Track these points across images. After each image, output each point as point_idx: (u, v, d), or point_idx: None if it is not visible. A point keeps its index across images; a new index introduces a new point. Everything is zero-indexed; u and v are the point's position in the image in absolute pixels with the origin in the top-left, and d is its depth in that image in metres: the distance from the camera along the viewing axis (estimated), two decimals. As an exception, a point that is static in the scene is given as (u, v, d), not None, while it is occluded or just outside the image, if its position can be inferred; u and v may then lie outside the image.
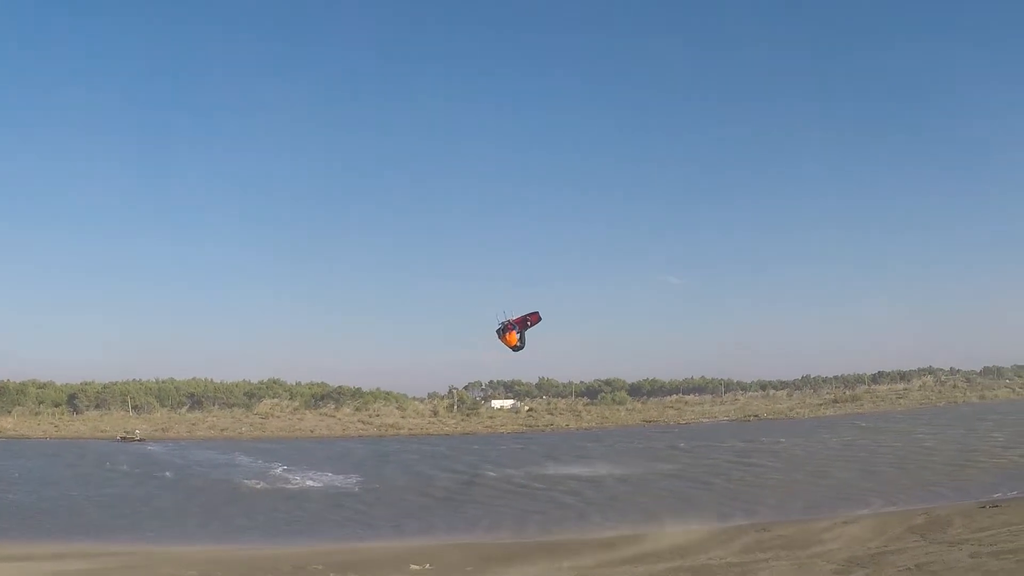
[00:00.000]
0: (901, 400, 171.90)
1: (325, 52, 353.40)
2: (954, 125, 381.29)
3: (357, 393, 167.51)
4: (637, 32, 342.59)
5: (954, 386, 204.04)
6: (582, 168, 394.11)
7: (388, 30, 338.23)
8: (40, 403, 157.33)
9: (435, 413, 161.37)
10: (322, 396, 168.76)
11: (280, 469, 72.89)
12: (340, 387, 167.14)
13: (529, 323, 43.21)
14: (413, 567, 27.20)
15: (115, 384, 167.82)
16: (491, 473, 67.49)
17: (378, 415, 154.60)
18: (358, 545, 34.90)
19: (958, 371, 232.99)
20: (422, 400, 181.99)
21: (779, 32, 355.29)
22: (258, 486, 60.43)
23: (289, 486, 60.71)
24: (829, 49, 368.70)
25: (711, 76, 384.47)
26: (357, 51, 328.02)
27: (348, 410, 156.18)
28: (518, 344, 48.45)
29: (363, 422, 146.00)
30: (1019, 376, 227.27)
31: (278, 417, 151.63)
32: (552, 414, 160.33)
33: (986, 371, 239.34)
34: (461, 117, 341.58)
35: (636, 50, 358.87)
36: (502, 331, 48.50)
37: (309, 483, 62.44)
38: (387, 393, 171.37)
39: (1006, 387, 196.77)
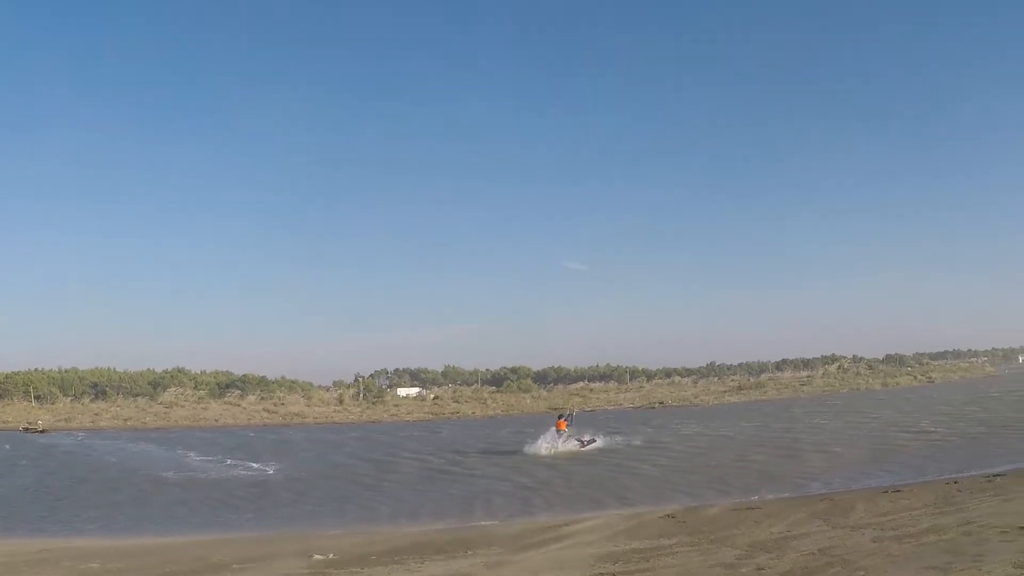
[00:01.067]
0: (804, 387, 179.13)
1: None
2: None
3: (262, 382, 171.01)
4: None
5: (857, 373, 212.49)
6: (479, 154, 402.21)
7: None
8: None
9: (340, 401, 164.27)
10: (227, 385, 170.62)
11: (195, 458, 73.81)
12: (245, 375, 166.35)
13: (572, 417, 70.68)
14: (316, 557, 27.32)
15: (17, 373, 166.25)
16: (408, 459, 68.38)
17: (283, 403, 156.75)
18: (267, 534, 34.86)
19: (861, 359, 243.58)
20: (327, 388, 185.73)
21: (664, 17, 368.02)
22: (172, 476, 60.13)
23: (203, 475, 60.55)
24: (711, 34, 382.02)
25: (607, 57, 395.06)
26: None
27: (253, 399, 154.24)
28: (567, 429, 65.32)
29: (268, 411, 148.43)
30: (920, 364, 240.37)
31: (182, 406, 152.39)
32: (458, 402, 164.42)
33: (888, 359, 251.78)
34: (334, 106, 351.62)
35: (520, 32, 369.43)
36: (559, 418, 73.27)
37: (225, 472, 62.43)
38: (292, 381, 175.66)
39: (908, 374, 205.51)
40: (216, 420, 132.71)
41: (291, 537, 33.50)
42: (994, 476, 34.94)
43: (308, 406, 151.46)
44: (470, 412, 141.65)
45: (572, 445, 66.87)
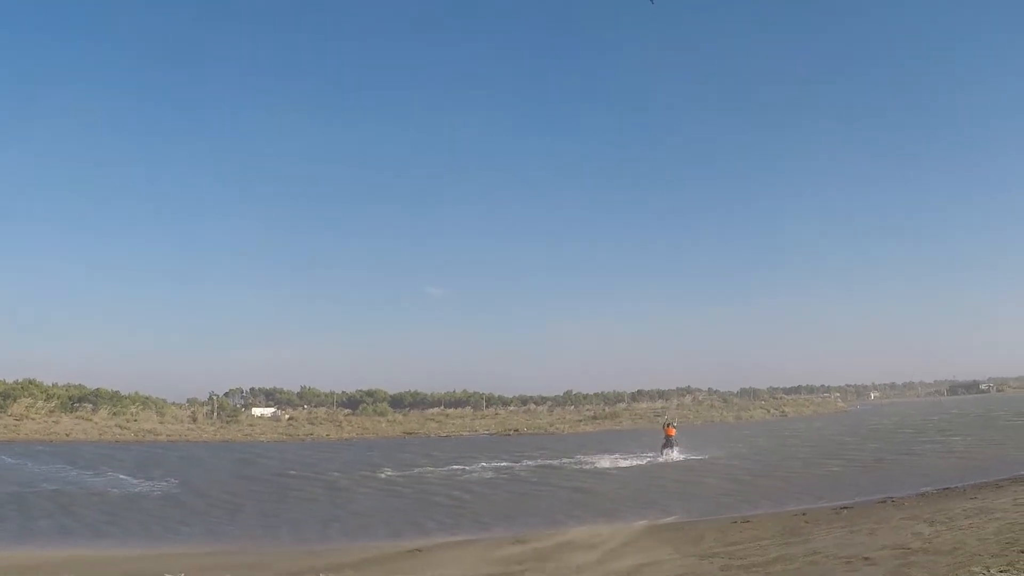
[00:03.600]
0: (658, 418, 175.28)
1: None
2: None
3: (115, 397, 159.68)
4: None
5: (711, 406, 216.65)
6: (341, 176, 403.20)
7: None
8: None
9: (194, 419, 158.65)
10: (80, 398, 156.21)
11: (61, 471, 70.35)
12: (98, 389, 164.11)
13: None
14: None
15: None
16: (293, 474, 68.17)
17: (135, 420, 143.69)
18: (122, 552, 33.38)
19: (716, 391, 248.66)
20: (181, 406, 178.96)
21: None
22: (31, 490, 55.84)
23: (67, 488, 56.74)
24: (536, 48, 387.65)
25: (461, 74, 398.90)
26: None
27: (105, 414, 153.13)
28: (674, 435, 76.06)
29: (120, 427, 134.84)
30: (773, 397, 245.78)
31: (33, 419, 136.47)
32: (313, 423, 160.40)
33: (743, 392, 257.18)
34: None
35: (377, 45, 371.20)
36: (666, 425, 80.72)
37: (99, 486, 58.90)
38: (146, 397, 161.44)
39: (761, 408, 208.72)
40: (67, 435, 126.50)
41: (148, 555, 32.20)
42: (841, 508, 36.00)
43: (161, 423, 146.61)
44: (324, 434, 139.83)
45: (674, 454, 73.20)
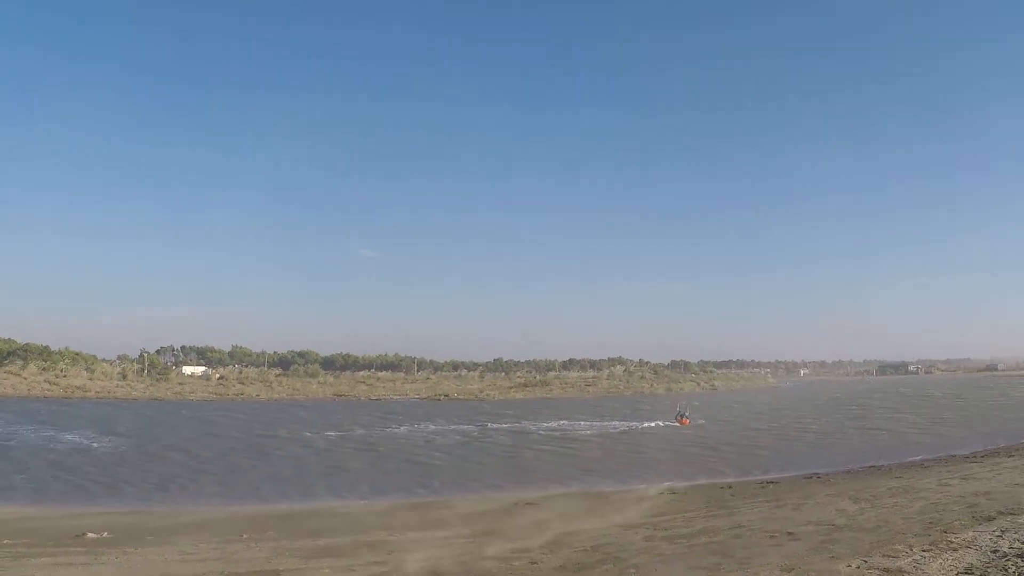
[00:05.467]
0: (590, 388, 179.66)
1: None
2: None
3: (45, 352, 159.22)
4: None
5: (642, 377, 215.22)
6: (277, 138, 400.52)
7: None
8: None
9: (124, 377, 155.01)
10: (9, 353, 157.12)
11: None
12: (28, 344, 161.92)
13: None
14: (90, 535, 26.06)
15: None
16: (234, 434, 67.73)
17: (65, 376, 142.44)
18: (47, 510, 32.74)
19: (647, 363, 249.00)
20: (112, 362, 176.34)
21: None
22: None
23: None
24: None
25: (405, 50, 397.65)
26: None
27: (34, 369, 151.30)
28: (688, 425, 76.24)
29: (49, 383, 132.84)
30: (704, 371, 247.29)
31: None
32: (243, 383, 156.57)
33: (673, 364, 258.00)
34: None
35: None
36: (679, 416, 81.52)
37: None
38: (76, 353, 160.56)
39: (692, 380, 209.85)
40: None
41: (72, 513, 31.47)
42: (768, 483, 36.17)
43: (91, 379, 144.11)
44: (255, 394, 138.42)
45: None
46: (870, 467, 42.18)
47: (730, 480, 38.78)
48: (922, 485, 32.12)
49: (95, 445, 56.82)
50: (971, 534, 20.65)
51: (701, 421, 77.06)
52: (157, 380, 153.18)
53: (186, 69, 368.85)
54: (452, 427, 74.69)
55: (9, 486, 39.26)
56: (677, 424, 77.58)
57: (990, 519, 22.96)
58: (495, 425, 76.76)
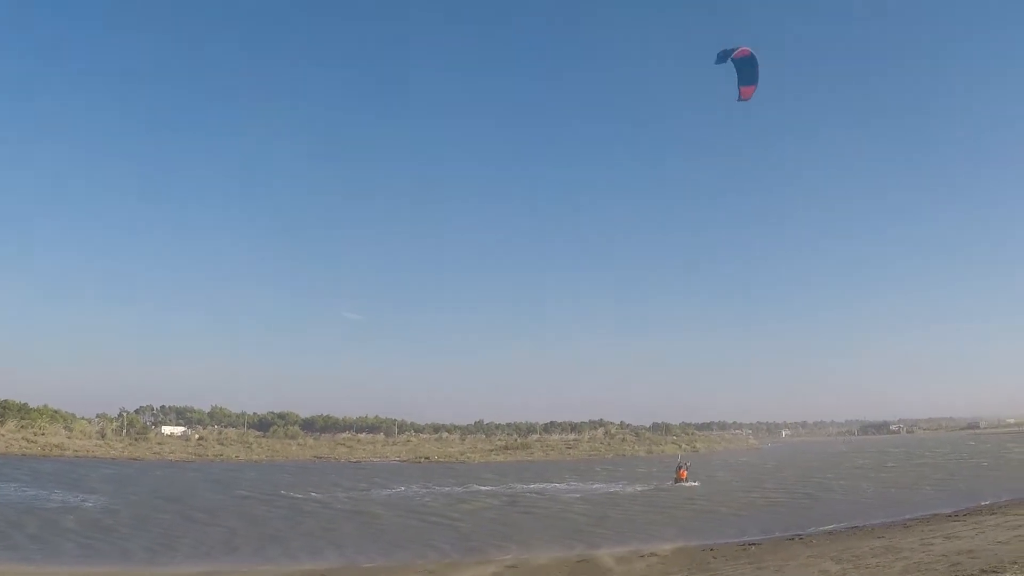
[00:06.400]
0: (571, 450, 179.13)
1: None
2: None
3: (24, 409, 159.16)
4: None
5: (623, 439, 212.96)
6: (259, 196, 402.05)
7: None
8: None
9: (103, 435, 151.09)
10: None
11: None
12: (6, 401, 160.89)
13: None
14: None
15: None
16: (223, 496, 67.31)
17: (43, 434, 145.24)
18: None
19: (628, 425, 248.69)
20: (91, 420, 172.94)
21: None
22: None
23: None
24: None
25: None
26: None
27: (12, 426, 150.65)
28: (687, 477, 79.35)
29: (27, 440, 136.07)
30: (686, 433, 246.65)
31: None
32: (223, 444, 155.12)
33: (655, 426, 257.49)
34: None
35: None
36: (678, 468, 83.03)
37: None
38: (55, 411, 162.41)
39: (672, 443, 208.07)
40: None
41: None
42: (749, 544, 35.78)
43: (69, 438, 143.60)
44: (234, 456, 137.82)
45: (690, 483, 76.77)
46: (852, 527, 42.02)
47: (712, 542, 38.33)
48: (905, 545, 32.05)
49: (88, 504, 56.39)
50: (954, 593, 20.58)
51: (695, 483, 76.55)
52: (136, 440, 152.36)
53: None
54: (439, 489, 74.21)
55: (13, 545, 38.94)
56: (671, 482, 78.45)
57: (973, 578, 22.69)
58: (481, 488, 76.26)
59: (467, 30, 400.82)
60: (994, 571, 23.41)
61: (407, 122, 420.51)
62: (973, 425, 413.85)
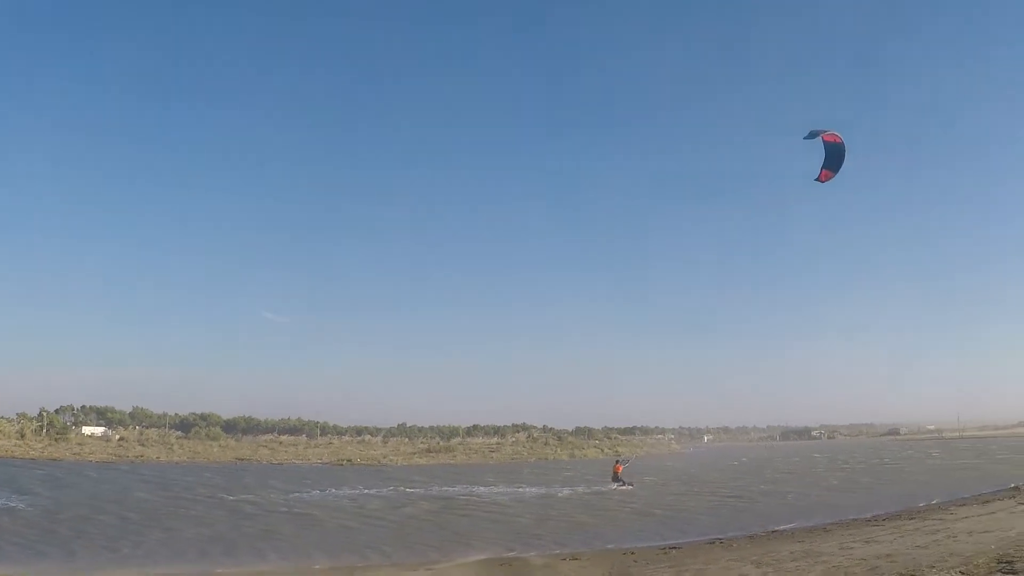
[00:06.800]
0: (494, 454, 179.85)
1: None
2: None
3: None
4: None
5: (546, 443, 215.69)
6: (183, 200, 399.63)
7: None
8: None
9: (22, 435, 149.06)
10: None
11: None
12: None
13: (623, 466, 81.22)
14: None
15: None
16: (152, 496, 65.90)
17: None
18: None
19: (551, 429, 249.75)
20: (10, 420, 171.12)
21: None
22: None
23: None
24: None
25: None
26: None
27: None
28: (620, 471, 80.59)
29: None
30: (608, 437, 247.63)
31: None
32: (144, 445, 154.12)
33: (578, 430, 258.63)
34: None
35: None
36: (617, 463, 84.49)
37: None
38: None
39: (595, 447, 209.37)
40: None
41: None
42: (670, 548, 35.76)
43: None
44: (155, 457, 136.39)
45: (622, 487, 77.16)
46: (772, 531, 42.21)
47: (633, 546, 38.29)
48: (824, 549, 32.20)
49: (21, 507, 55.07)
50: (872, 597, 20.73)
51: (629, 485, 76.99)
52: (56, 440, 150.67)
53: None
54: (370, 492, 73.96)
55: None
56: (615, 484, 78.51)
57: (891, 581, 22.86)
58: (410, 490, 76.00)
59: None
60: (912, 575, 23.61)
61: (306, 123, 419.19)
62: (894, 431, 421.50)
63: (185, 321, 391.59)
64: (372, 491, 74.88)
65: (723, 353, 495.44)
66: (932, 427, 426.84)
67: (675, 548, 36.33)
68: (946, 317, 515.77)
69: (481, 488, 78.91)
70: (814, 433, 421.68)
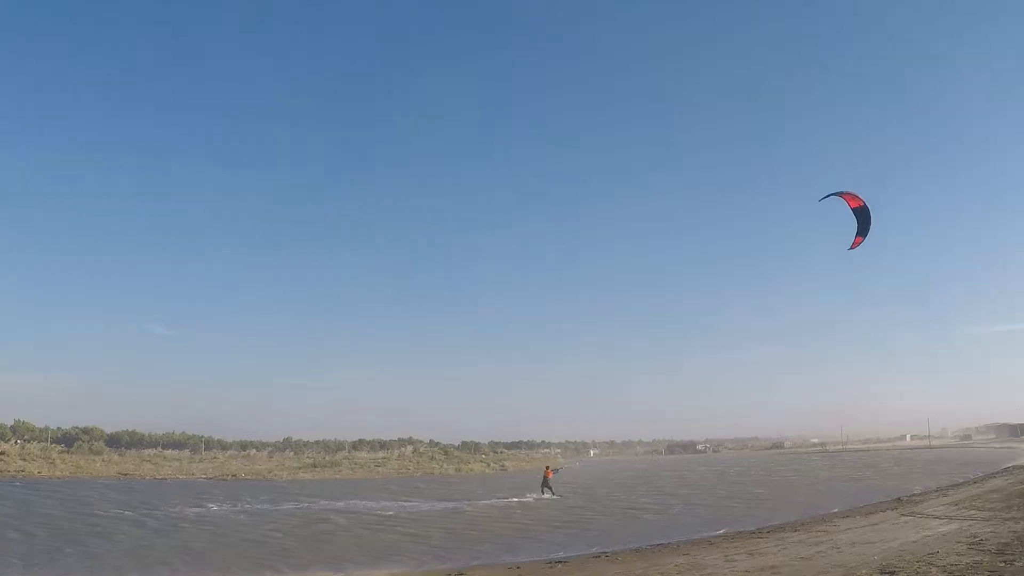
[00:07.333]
0: (380, 468, 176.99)
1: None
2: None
3: None
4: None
5: (432, 458, 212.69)
6: (65, 210, 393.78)
7: None
8: None
9: None
10: None
11: None
12: None
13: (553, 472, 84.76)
14: None
15: None
16: (51, 512, 64.20)
17: None
18: None
19: (437, 443, 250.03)
20: None
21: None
22: None
23: None
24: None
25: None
26: None
27: None
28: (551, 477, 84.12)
29: None
30: (494, 451, 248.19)
31: None
32: (25, 460, 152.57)
33: (464, 445, 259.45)
34: None
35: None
36: (547, 467, 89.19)
37: None
38: None
39: (481, 461, 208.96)
40: None
41: None
42: (556, 562, 35.68)
43: None
44: (36, 471, 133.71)
45: (552, 497, 79.87)
46: (658, 544, 42.28)
47: (519, 560, 38.13)
48: (709, 561, 32.30)
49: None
50: (758, 609, 20.84)
51: (555, 496, 79.55)
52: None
53: None
54: (257, 507, 73.07)
55: None
56: (535, 493, 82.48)
57: (775, 592, 23.00)
58: (300, 505, 75.30)
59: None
60: None
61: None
62: (778, 445, 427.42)
63: (70, 333, 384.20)
64: (261, 506, 74.08)
65: (607, 367, 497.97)
66: (816, 440, 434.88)
67: (561, 562, 36.15)
68: (822, 333, 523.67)
69: (382, 503, 78.33)
70: (699, 447, 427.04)
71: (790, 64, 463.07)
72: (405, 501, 79.31)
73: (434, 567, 36.96)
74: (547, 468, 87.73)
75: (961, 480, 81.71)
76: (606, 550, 40.65)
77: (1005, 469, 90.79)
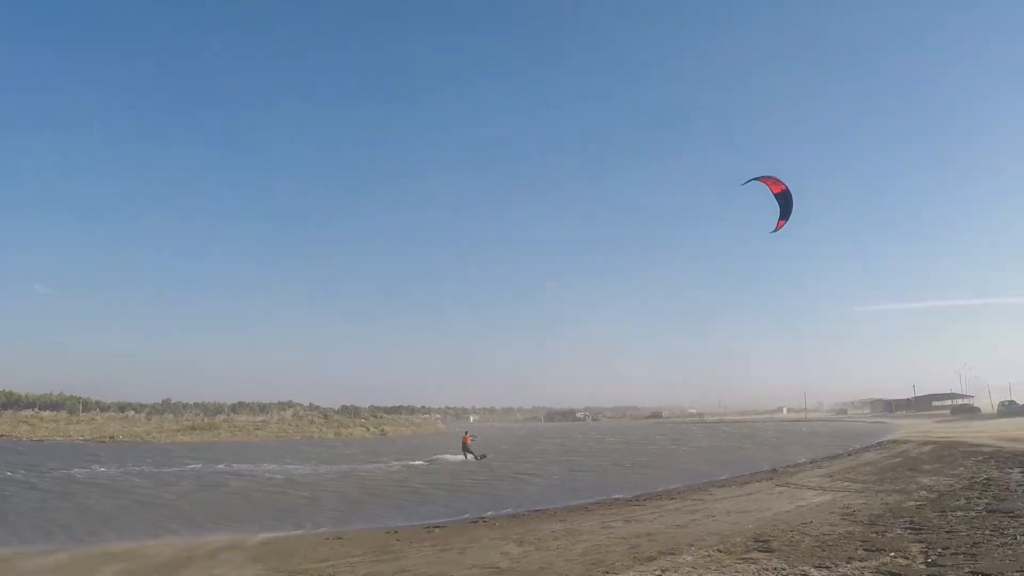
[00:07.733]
0: (259, 432, 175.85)
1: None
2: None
3: None
4: None
5: (311, 422, 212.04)
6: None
7: None
8: None
9: None
10: None
11: None
12: None
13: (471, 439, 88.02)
14: None
15: None
16: None
17: None
18: None
19: (317, 407, 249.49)
20: None
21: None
22: None
23: None
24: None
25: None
26: None
27: None
28: (469, 443, 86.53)
29: None
30: (374, 416, 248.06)
31: None
32: None
33: (344, 409, 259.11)
34: None
35: None
36: (465, 433, 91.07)
37: None
38: None
39: (361, 426, 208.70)
40: None
41: None
42: (433, 527, 35.87)
43: None
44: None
45: (470, 457, 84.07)
46: (535, 510, 42.72)
47: (397, 524, 38.13)
48: (586, 527, 32.83)
49: None
50: (632, 574, 21.20)
51: (482, 457, 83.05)
52: None
53: None
54: (140, 469, 72.36)
55: None
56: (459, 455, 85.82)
57: (651, 559, 23.81)
58: (183, 468, 74.67)
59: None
60: (671, 553, 24.50)
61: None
62: (656, 415, 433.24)
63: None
64: (145, 468, 73.37)
65: (489, 334, 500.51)
66: (694, 410, 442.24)
67: (439, 527, 36.39)
68: (699, 307, 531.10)
69: (265, 465, 78.11)
70: (579, 415, 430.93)
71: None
72: (289, 465, 79.19)
73: (332, 529, 37.12)
74: (466, 434, 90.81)
75: (836, 453, 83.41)
76: (483, 516, 41.05)
77: (879, 443, 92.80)
